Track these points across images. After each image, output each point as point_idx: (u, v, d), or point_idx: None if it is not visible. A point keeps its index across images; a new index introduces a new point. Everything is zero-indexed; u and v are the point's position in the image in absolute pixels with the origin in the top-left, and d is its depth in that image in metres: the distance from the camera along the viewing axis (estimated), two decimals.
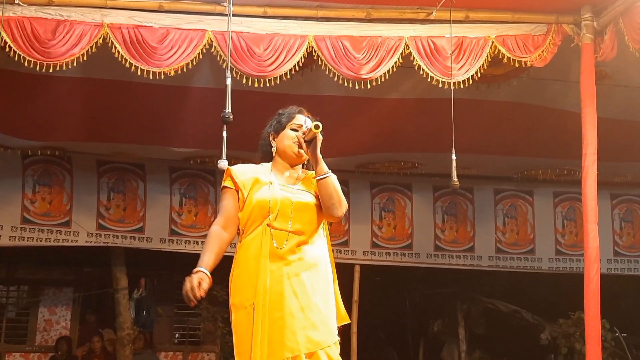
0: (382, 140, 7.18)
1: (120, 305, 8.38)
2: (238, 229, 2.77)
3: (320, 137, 2.79)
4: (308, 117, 2.94)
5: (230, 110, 4.28)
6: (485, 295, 9.87)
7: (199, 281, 2.58)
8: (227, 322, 9.41)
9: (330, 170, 2.76)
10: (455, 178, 5.00)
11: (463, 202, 8.93)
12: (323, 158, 2.81)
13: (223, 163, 4.24)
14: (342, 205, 2.71)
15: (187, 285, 2.55)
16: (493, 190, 9.00)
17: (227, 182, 2.79)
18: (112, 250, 8.42)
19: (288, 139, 2.82)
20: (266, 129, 2.92)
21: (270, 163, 2.87)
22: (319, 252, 2.75)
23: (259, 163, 2.90)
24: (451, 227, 8.88)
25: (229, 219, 2.76)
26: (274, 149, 2.85)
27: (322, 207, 2.75)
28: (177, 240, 8.13)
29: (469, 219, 8.91)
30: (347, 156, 7.60)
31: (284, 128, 2.85)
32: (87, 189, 7.95)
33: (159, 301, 9.81)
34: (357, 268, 8.43)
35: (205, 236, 2.78)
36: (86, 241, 7.89)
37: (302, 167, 2.94)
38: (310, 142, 2.80)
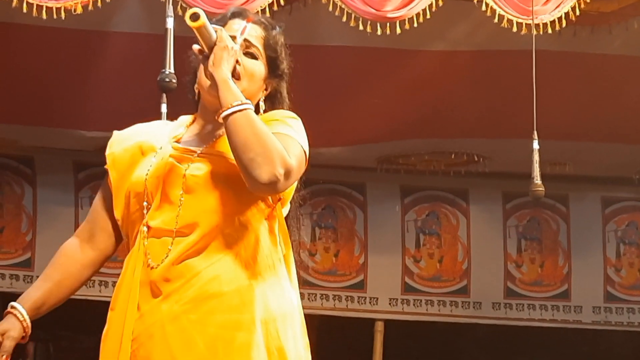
0: (420, 118, 7.20)
1: None
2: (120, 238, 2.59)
3: (226, 44, 2.41)
4: (259, 22, 2.59)
5: (172, 71, 4.29)
6: None
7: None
8: None
9: (247, 101, 2.37)
10: (538, 180, 5.01)
11: (552, 220, 8.94)
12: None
13: None
14: (270, 162, 2.29)
15: None
16: (601, 199, 9.01)
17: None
18: None
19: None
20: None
21: (193, 116, 2.64)
22: (233, 268, 2.40)
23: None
24: (532, 260, 8.88)
25: (96, 224, 2.60)
26: (196, 88, 2.58)
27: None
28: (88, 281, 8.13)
29: (562, 246, 8.91)
30: (362, 144, 7.62)
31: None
32: None
33: None
34: (380, 326, 8.44)
35: None
36: None
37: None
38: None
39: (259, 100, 2.58)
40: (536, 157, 5.00)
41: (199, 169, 2.42)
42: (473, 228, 8.78)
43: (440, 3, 5.14)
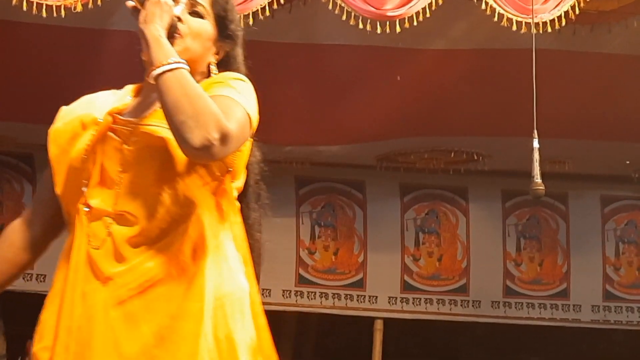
0: (419, 116, 7.20)
1: None
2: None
3: None
4: None
5: None
6: None
7: None
8: None
9: (181, 60, 2.20)
10: (539, 178, 5.01)
11: (551, 218, 8.95)
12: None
13: None
14: (202, 125, 2.10)
15: None
16: (600, 198, 9.02)
17: None
18: None
19: None
20: None
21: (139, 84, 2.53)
22: (180, 250, 2.26)
23: None
24: (532, 259, 8.89)
25: (36, 205, 2.52)
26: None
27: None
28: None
29: (561, 245, 8.92)
30: (362, 143, 7.62)
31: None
32: None
33: None
34: (379, 324, 8.45)
35: None
36: None
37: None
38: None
39: (210, 64, 2.43)
40: (536, 155, 4.99)
41: (137, 142, 2.27)
42: (472, 226, 8.79)
43: (440, 2, 5.14)
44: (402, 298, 8.63)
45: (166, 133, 2.21)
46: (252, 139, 2.39)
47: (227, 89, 2.27)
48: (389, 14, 5.12)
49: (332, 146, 7.61)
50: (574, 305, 8.86)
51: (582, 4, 5.23)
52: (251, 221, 2.48)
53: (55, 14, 4.92)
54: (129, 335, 2.22)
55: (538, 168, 5.01)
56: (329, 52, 6.23)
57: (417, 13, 5.13)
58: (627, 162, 8.14)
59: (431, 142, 7.80)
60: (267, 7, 5.06)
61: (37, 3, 4.88)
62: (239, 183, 2.38)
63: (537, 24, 5.17)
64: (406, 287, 8.64)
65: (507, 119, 6.87)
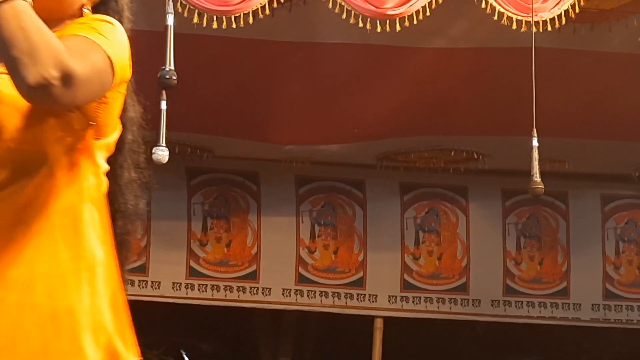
0: (419, 115, 7.21)
1: None
2: None
3: None
4: None
5: (173, 68, 4.29)
6: None
7: None
8: None
9: None
10: (538, 177, 5.01)
11: (551, 217, 8.96)
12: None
13: (161, 153, 4.26)
14: (37, 61, 1.87)
15: None
16: (600, 197, 9.03)
17: None
18: None
19: None
20: None
21: None
22: (15, 209, 2.01)
23: None
24: (532, 258, 8.90)
25: None
26: None
27: None
28: None
29: (561, 243, 8.93)
30: (362, 141, 7.62)
31: None
32: None
33: None
34: (379, 323, 8.45)
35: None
36: None
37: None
38: None
39: (84, 6, 2.21)
40: (535, 154, 5.00)
41: None
42: (472, 225, 8.79)
43: (440, 0, 5.15)
44: (402, 297, 8.63)
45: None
46: (125, 90, 2.20)
47: (86, 30, 2.04)
48: (389, 12, 5.13)
49: (332, 145, 7.62)
50: (574, 304, 8.87)
51: (582, 3, 5.24)
52: (124, 182, 2.25)
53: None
54: None
55: (537, 167, 5.02)
56: (328, 51, 6.24)
57: (417, 12, 5.13)
58: None
59: (431, 141, 7.80)
60: (267, 6, 5.06)
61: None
62: (108, 140, 2.15)
63: (537, 23, 5.18)
64: (406, 285, 8.65)
65: (506, 118, 6.88)
